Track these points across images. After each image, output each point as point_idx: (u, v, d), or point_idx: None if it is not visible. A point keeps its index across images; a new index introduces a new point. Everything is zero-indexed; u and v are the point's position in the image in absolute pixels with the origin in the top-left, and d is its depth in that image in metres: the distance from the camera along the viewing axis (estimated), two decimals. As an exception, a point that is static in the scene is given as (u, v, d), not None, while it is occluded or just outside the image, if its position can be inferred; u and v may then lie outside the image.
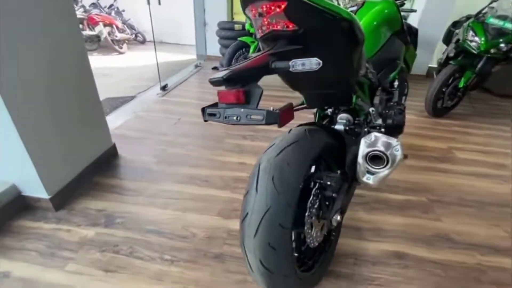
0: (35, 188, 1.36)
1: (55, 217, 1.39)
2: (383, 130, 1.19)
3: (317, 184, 0.93)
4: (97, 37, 5.59)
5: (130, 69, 4.64)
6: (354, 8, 1.33)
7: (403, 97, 1.54)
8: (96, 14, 5.63)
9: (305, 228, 0.88)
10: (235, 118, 0.64)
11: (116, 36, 5.73)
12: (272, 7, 0.67)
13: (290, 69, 0.68)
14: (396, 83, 1.43)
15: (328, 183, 0.93)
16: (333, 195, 0.94)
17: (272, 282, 0.80)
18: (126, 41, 6.04)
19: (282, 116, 0.60)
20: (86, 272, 1.13)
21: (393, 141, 0.87)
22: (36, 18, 1.22)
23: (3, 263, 1.15)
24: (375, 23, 1.24)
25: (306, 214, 0.87)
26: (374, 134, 0.91)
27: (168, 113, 2.69)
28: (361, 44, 0.86)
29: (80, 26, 5.71)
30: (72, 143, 1.51)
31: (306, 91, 1.05)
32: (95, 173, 1.68)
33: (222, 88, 0.66)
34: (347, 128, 1.17)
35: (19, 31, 1.15)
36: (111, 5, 6.41)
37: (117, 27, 5.82)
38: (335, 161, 1.01)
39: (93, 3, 6.29)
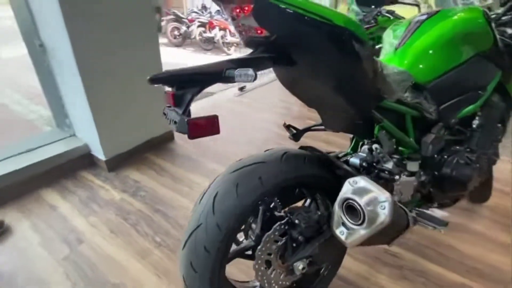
0: (98, 150, 1.73)
1: (105, 176, 1.72)
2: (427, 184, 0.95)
3: (286, 219, 0.80)
4: (212, 39, 6.49)
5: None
6: (423, 17, 1.03)
7: (490, 144, 1.11)
8: (215, 19, 6.54)
9: (257, 263, 0.77)
10: (170, 121, 0.63)
11: (226, 39, 6.50)
12: (241, 10, 0.62)
13: (235, 79, 0.61)
14: (476, 122, 1.04)
15: (296, 221, 0.79)
16: (299, 237, 0.79)
17: None
18: (235, 45, 6.75)
19: (191, 127, 0.55)
20: (98, 227, 1.36)
21: (382, 195, 0.66)
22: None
23: (55, 199, 1.52)
24: (438, 38, 0.93)
25: (259, 247, 0.77)
26: (363, 178, 0.71)
27: (234, 112, 2.86)
28: (364, 60, 0.68)
29: (203, 28, 6.80)
30: (132, 120, 1.82)
31: (317, 110, 0.92)
32: (147, 150, 1.98)
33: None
34: (364, 164, 0.94)
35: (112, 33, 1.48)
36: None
37: (229, 31, 6.59)
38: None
39: (218, 10, 7.33)
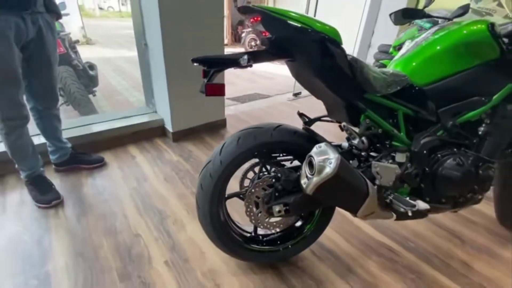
0: (168, 125, 2.30)
1: (170, 144, 2.28)
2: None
3: (272, 170, 1.11)
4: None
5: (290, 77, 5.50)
6: (435, 28, 1.16)
7: (499, 153, 1.13)
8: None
9: (247, 201, 1.07)
10: (201, 87, 1.00)
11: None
12: (254, 20, 0.95)
13: (240, 63, 0.94)
14: (482, 129, 1.09)
15: (279, 175, 1.07)
16: (280, 188, 1.07)
17: (198, 214, 1.11)
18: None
19: (207, 87, 0.90)
20: (158, 174, 1.88)
21: (332, 154, 0.90)
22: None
23: (136, 152, 2.13)
24: (438, 46, 1.04)
25: (249, 188, 1.08)
26: (325, 144, 0.96)
27: (284, 113, 3.19)
28: (337, 57, 0.90)
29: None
30: (195, 107, 2.34)
31: (321, 100, 1.17)
32: (203, 130, 2.49)
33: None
34: (353, 149, 1.13)
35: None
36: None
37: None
38: None
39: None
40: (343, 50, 0.91)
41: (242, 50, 8.17)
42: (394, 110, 1.06)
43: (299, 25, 0.86)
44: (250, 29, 7.90)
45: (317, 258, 1.32)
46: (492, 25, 1.00)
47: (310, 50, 0.90)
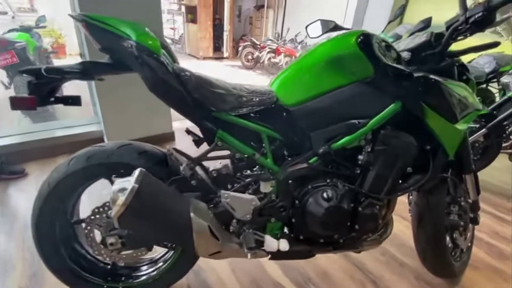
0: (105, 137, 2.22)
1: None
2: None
3: None
4: (277, 63, 6.91)
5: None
6: (317, 40, 0.99)
7: (385, 188, 0.91)
8: (282, 47, 6.95)
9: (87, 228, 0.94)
10: None
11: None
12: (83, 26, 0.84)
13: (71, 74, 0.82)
14: (361, 158, 0.89)
15: None
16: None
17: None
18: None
19: (11, 101, 0.79)
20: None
21: (129, 183, 0.75)
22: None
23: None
24: (304, 63, 0.89)
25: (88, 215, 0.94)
26: (140, 170, 0.80)
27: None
28: (157, 70, 0.77)
29: (273, 54, 7.32)
30: (135, 117, 2.25)
31: None
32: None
33: None
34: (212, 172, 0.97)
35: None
36: (302, 41, 7.63)
37: (295, 57, 6.87)
38: None
39: (292, 39, 7.77)
40: (162, 63, 0.77)
41: (239, 63, 8.22)
42: (249, 132, 0.90)
43: (116, 34, 0.75)
44: (248, 43, 7.94)
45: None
46: (364, 37, 0.84)
47: (132, 62, 0.78)
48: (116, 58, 0.82)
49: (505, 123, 1.85)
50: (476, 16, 0.83)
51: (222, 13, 9.68)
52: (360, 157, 0.90)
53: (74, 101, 0.90)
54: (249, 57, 7.86)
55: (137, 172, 0.78)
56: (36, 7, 6.83)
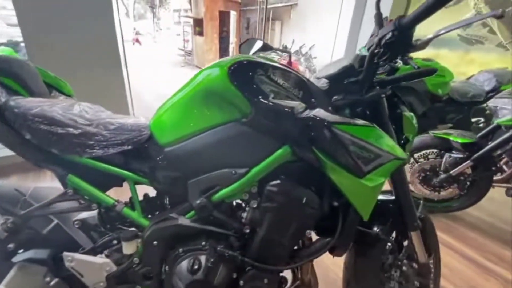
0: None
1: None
2: None
3: None
4: (279, 76, 6.77)
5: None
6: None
7: (273, 256, 0.72)
8: (284, 59, 6.82)
9: None
10: None
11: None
12: None
13: None
14: (245, 216, 0.72)
15: None
16: None
17: None
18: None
19: None
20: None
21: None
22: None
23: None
24: (178, 92, 0.72)
25: None
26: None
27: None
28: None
29: (275, 66, 7.20)
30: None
31: None
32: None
33: None
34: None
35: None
36: (306, 53, 7.46)
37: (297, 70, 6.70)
38: None
39: (296, 51, 7.63)
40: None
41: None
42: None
43: None
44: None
45: None
46: (238, 67, 0.65)
47: None
48: None
49: (497, 153, 1.57)
50: (387, 38, 0.63)
51: (229, 25, 9.75)
52: (244, 215, 0.71)
53: None
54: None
55: None
56: None
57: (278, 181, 0.68)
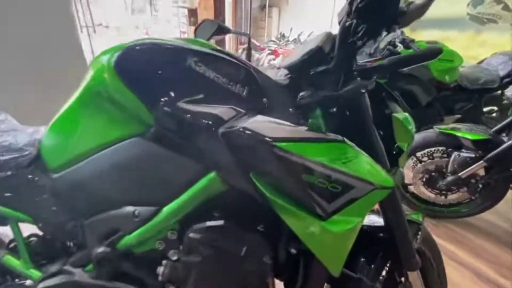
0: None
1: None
2: None
3: None
4: (275, 66, 6.48)
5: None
6: None
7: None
8: (281, 48, 6.52)
9: None
10: None
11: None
12: None
13: None
14: (162, 271, 0.49)
15: None
16: None
17: None
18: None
19: None
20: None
21: None
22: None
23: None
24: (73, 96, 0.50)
25: None
26: None
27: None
28: None
29: (273, 56, 6.89)
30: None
31: None
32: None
33: None
34: None
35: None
36: (305, 41, 7.13)
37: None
38: None
39: (295, 39, 7.29)
40: None
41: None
42: None
43: None
44: (247, 45, 7.58)
45: None
46: (125, 56, 0.43)
47: None
48: None
49: (516, 151, 1.32)
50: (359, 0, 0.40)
51: (224, 14, 9.38)
52: (161, 269, 0.49)
53: None
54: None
55: None
56: None
57: (205, 224, 0.46)
